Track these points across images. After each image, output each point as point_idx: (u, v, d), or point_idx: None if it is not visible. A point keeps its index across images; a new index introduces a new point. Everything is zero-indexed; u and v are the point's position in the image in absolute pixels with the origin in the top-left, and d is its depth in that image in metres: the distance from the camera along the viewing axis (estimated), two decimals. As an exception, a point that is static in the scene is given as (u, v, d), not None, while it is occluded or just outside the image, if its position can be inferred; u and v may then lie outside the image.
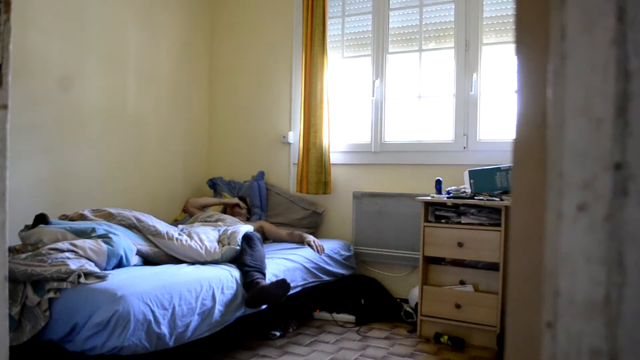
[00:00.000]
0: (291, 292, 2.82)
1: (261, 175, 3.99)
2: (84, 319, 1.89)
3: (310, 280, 3.03)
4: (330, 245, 3.36)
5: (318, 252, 3.17)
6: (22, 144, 2.92)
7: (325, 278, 3.17)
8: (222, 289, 2.35)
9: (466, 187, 2.97)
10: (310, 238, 3.28)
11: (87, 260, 2.12)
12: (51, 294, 1.97)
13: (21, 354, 2.00)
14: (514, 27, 0.56)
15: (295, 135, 3.97)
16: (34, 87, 2.99)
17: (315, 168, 3.70)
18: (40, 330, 1.95)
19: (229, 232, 2.82)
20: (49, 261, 2.03)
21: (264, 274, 2.57)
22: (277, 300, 2.50)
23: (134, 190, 3.67)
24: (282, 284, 2.51)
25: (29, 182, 2.95)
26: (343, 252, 3.41)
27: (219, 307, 2.29)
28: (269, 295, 2.45)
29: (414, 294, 3.20)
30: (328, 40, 3.75)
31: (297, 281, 2.89)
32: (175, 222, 3.82)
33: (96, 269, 2.10)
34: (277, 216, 3.82)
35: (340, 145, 3.82)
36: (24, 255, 2.11)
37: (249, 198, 3.84)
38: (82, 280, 2.00)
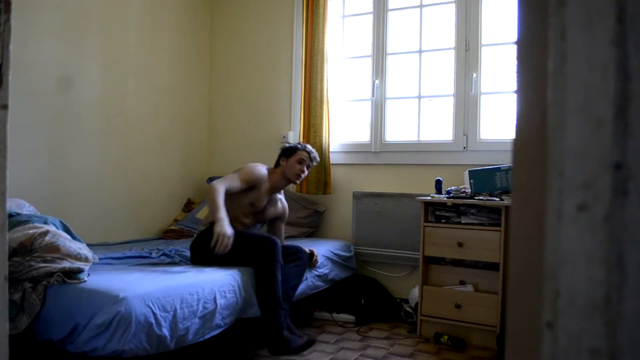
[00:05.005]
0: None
1: None
2: (85, 320, 1.87)
3: (316, 285, 3.04)
4: (331, 246, 3.35)
5: (312, 265, 3.02)
6: (21, 144, 2.92)
7: (325, 286, 3.17)
8: (224, 292, 2.33)
9: (466, 187, 2.97)
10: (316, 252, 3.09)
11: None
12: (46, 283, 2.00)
13: (22, 354, 2.00)
14: (514, 27, 0.56)
15: (295, 135, 3.96)
16: (34, 86, 2.99)
17: (315, 168, 3.69)
18: (36, 315, 1.95)
19: None
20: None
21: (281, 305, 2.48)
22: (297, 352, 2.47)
23: (133, 190, 3.67)
24: (306, 344, 2.45)
25: (28, 181, 2.95)
26: (343, 253, 3.39)
27: (220, 311, 2.28)
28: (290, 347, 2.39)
29: (414, 294, 3.19)
30: (328, 40, 3.75)
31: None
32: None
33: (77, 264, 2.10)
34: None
35: (340, 145, 3.82)
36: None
37: None
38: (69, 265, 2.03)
